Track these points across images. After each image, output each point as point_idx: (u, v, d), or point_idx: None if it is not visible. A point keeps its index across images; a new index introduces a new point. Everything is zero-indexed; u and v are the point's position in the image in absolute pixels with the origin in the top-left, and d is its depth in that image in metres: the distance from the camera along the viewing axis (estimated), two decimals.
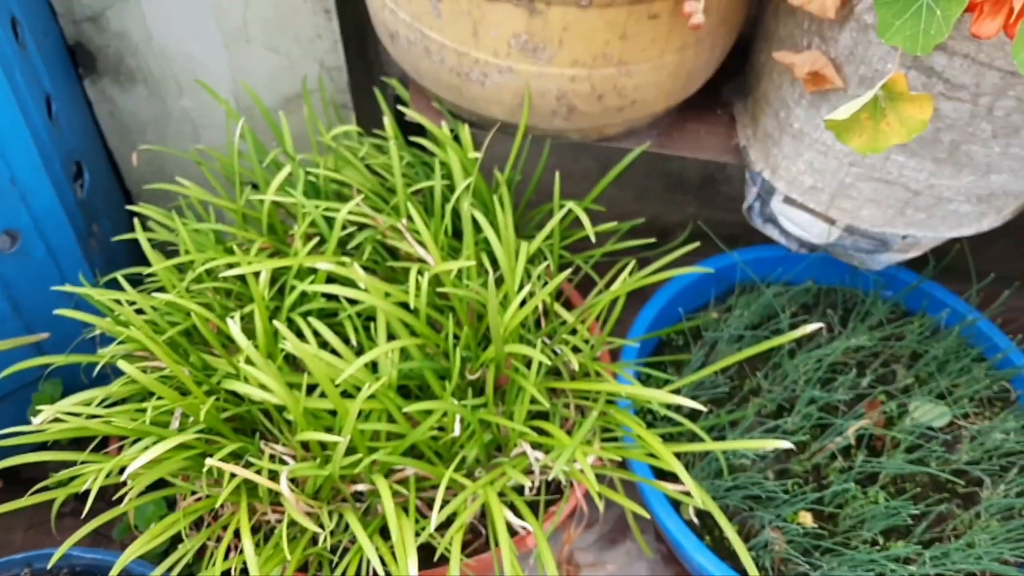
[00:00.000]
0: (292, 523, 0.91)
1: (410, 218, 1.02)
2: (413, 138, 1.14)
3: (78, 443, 0.93)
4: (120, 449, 0.97)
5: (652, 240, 1.14)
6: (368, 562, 0.84)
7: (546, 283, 1.03)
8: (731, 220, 1.50)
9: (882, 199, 0.99)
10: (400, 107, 1.13)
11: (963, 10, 0.68)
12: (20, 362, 0.99)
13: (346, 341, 0.97)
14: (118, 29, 1.24)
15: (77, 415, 0.90)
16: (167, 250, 1.09)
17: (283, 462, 0.93)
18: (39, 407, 0.88)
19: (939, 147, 0.90)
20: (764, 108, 1.05)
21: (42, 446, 0.92)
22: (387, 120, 1.12)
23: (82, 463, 0.91)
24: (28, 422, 0.89)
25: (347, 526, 0.93)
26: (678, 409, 1.14)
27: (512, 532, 0.91)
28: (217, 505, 0.86)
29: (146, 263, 1.05)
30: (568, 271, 0.99)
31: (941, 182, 0.95)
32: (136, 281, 1.06)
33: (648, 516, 0.96)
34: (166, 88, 1.31)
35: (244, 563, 0.85)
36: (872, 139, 0.77)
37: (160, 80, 1.30)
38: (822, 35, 0.91)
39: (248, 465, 0.89)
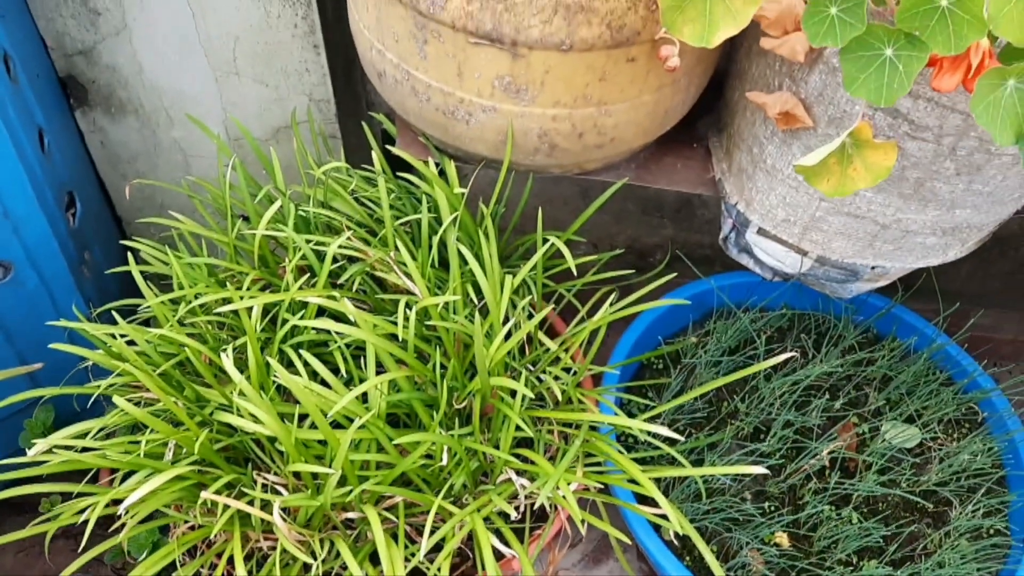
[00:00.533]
0: (285, 550, 0.93)
1: (398, 249, 1.05)
2: (401, 174, 1.17)
3: (73, 471, 0.95)
4: (111, 482, 0.98)
5: (632, 271, 1.17)
6: None
7: (531, 315, 1.06)
8: (707, 243, 1.54)
9: (852, 232, 1.03)
10: (388, 146, 1.15)
11: (924, 65, 0.72)
12: (13, 391, 1.01)
13: (335, 371, 1.00)
14: (109, 63, 1.26)
15: (71, 448, 0.92)
16: (161, 283, 1.11)
17: (276, 491, 0.95)
18: (34, 440, 0.90)
19: (905, 184, 0.94)
20: (738, 144, 1.08)
21: (36, 477, 0.94)
22: (375, 156, 1.15)
23: (77, 495, 0.93)
24: (20, 447, 0.90)
25: (339, 553, 0.95)
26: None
27: (498, 556, 0.94)
28: (211, 535, 0.88)
29: (138, 290, 1.07)
30: (552, 303, 1.02)
31: (908, 216, 0.99)
32: (129, 311, 1.08)
33: (630, 541, 0.99)
34: (157, 119, 1.33)
35: None
36: (840, 183, 0.80)
37: (151, 112, 1.32)
38: (792, 76, 0.94)
39: (241, 495, 0.91)
